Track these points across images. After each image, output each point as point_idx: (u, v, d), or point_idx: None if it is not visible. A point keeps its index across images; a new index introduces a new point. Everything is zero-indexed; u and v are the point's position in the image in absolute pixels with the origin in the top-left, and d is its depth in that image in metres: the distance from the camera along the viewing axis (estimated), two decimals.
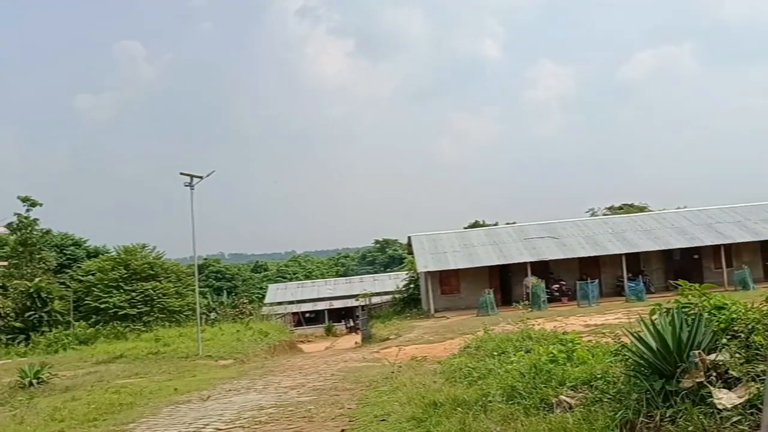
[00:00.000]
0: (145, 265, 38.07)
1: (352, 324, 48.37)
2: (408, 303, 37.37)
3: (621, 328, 7.78)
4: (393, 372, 11.95)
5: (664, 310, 6.95)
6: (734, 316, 6.20)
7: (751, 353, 5.39)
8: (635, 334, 5.86)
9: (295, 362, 20.79)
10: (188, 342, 25.95)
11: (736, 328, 6.04)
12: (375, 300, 43.19)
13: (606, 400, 6.10)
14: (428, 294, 33.37)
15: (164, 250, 45.43)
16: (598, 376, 6.84)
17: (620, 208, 54.08)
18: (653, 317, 7.08)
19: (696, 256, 34.10)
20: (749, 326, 5.83)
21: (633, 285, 30.02)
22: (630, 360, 6.00)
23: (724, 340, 5.80)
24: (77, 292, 37.89)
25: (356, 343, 31.74)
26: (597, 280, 30.34)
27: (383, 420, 7.66)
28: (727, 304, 6.72)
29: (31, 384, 15.41)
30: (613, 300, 29.43)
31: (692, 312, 6.70)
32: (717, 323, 6.12)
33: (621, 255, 31.95)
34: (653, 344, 5.51)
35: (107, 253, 45.45)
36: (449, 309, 32.29)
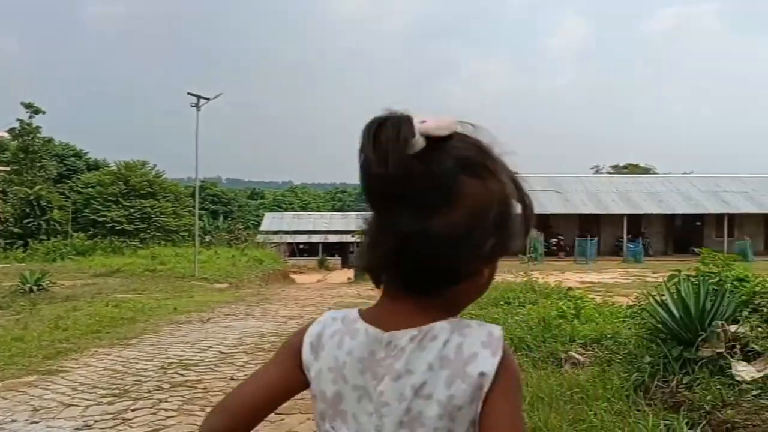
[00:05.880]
0: (145, 183, 37.97)
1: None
2: None
3: (641, 290, 7.74)
4: None
5: (684, 276, 6.91)
6: (756, 289, 6.17)
7: None
8: (657, 299, 5.80)
9: (290, 292, 20.92)
10: (184, 262, 26.07)
11: (757, 302, 6.00)
12: None
13: (617, 360, 6.11)
14: None
15: (164, 168, 45.23)
16: (609, 335, 6.85)
17: (625, 167, 53.83)
18: (671, 283, 7.05)
19: (698, 223, 34.13)
20: None
21: (632, 246, 30.12)
22: (648, 324, 5.96)
23: (746, 313, 5.77)
24: (76, 203, 37.91)
25: (348, 278, 31.85)
26: (596, 239, 30.40)
27: None
28: (749, 277, 6.68)
29: (31, 290, 15.48)
30: (611, 259, 29.57)
31: (713, 281, 6.66)
32: (739, 295, 6.08)
33: (623, 215, 31.94)
34: (675, 311, 5.46)
35: (107, 167, 45.25)
36: None
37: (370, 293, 19.70)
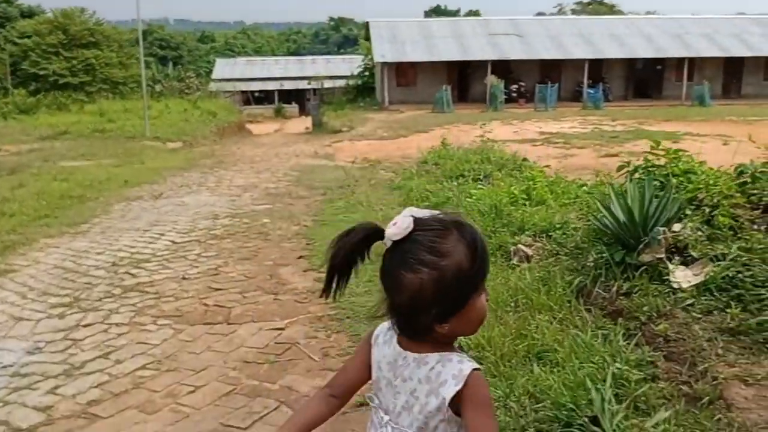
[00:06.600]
0: (85, 31, 35.74)
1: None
2: (361, 92, 36.84)
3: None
4: (348, 184, 12.00)
5: (632, 168, 6.93)
6: (701, 185, 6.21)
7: (712, 232, 5.43)
8: (603, 204, 5.82)
9: (246, 151, 20.70)
10: (134, 119, 25.39)
11: (701, 197, 6.07)
12: (327, 84, 42.25)
13: (563, 255, 6.23)
14: (383, 85, 32.80)
15: (103, 15, 42.22)
16: (558, 226, 6.92)
17: (589, 4, 52.36)
18: (619, 174, 7.09)
19: (659, 67, 33.99)
20: (714, 200, 5.85)
21: (592, 92, 30.04)
22: (592, 226, 6.02)
23: (689, 211, 5.85)
24: (13, 55, 35.69)
25: (306, 128, 31.49)
26: (557, 85, 30.18)
27: None
28: (695, 170, 6.73)
29: None
30: (571, 106, 29.60)
31: (661, 173, 6.70)
32: (685, 192, 6.14)
33: (584, 60, 31.55)
34: (621, 216, 5.50)
35: (43, 14, 42.15)
36: (404, 102, 32.02)
37: (327, 150, 19.61)
